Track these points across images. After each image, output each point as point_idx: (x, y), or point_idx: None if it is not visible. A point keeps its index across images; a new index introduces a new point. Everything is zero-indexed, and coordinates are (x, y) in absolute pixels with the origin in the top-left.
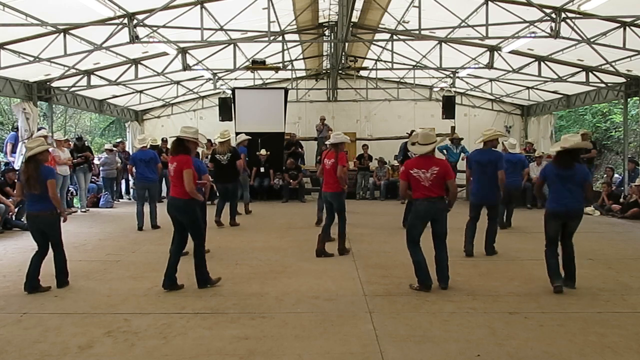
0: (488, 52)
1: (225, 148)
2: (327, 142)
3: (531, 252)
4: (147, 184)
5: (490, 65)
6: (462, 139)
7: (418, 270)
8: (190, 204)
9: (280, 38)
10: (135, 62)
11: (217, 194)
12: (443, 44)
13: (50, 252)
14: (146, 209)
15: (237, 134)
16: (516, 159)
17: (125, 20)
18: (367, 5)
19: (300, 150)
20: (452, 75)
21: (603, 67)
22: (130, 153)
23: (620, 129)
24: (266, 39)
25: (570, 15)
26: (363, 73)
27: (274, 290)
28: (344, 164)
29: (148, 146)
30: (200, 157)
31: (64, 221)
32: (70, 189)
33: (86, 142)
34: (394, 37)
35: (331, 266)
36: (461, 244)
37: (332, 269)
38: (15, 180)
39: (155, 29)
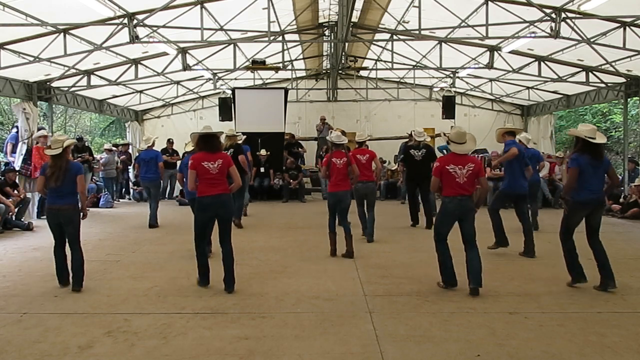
0: (488, 52)
1: (228, 142)
2: (332, 141)
3: None
4: (147, 183)
5: (490, 65)
6: None
7: (443, 269)
8: (232, 198)
9: (280, 38)
10: (135, 62)
11: None
12: (443, 44)
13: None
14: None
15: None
16: (531, 154)
17: (125, 20)
18: (367, 5)
19: (300, 150)
20: (452, 75)
21: (603, 67)
22: (131, 154)
23: (620, 129)
24: (266, 39)
25: (570, 15)
26: (363, 73)
27: (274, 290)
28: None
29: (153, 145)
30: None
31: (84, 218)
32: None
33: (86, 143)
34: (394, 37)
35: (331, 266)
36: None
37: (332, 269)
38: (16, 181)
39: (155, 29)
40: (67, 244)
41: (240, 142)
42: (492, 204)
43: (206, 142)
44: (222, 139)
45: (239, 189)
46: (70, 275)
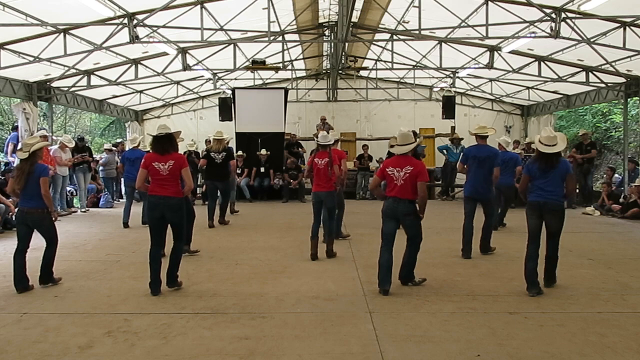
0: (488, 52)
1: (220, 146)
2: (318, 142)
3: None
4: (132, 183)
5: (490, 65)
6: (462, 139)
7: (379, 271)
8: (182, 203)
9: (280, 38)
10: (135, 62)
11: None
12: (443, 44)
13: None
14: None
15: (237, 134)
16: (508, 157)
17: (125, 20)
18: (367, 5)
19: (300, 150)
20: (452, 75)
21: (603, 67)
22: None
23: (620, 129)
24: (266, 39)
25: (570, 15)
26: (363, 73)
27: (274, 290)
28: (339, 163)
29: (139, 146)
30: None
31: (55, 220)
32: (70, 189)
33: (87, 143)
34: (394, 37)
35: (331, 266)
36: (460, 244)
37: (332, 269)
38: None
39: (155, 29)
40: (28, 249)
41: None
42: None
43: (157, 143)
44: (212, 140)
45: (225, 190)
46: (40, 269)
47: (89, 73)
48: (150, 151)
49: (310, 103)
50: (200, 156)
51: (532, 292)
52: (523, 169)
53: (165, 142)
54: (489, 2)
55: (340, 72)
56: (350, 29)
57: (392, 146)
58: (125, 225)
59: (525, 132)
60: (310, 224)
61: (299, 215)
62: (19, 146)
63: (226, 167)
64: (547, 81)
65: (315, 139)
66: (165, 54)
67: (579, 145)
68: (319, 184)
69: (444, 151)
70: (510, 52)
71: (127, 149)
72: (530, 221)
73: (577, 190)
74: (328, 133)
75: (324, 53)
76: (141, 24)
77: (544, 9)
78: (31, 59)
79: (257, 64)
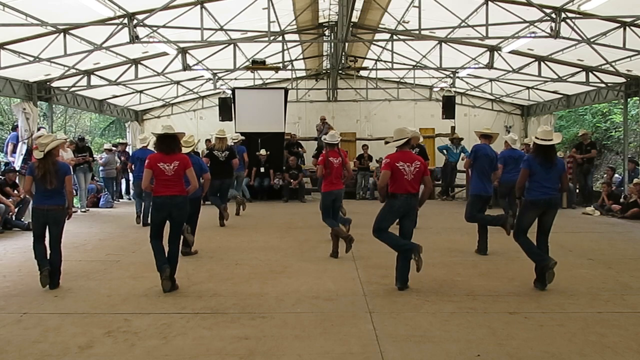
0: (488, 52)
1: (223, 145)
2: (327, 141)
3: None
4: (140, 182)
5: (490, 65)
6: (462, 139)
7: (395, 247)
8: (187, 200)
9: (280, 38)
10: (135, 62)
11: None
12: (443, 44)
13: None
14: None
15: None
16: (517, 155)
17: (125, 20)
18: (367, 5)
19: (300, 150)
20: (452, 75)
21: (603, 67)
22: (130, 154)
23: (620, 129)
24: (266, 39)
25: (570, 15)
26: (363, 73)
27: (274, 290)
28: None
29: (149, 145)
30: (201, 155)
31: (68, 219)
32: None
33: (87, 143)
34: (394, 37)
35: (331, 266)
36: (462, 244)
37: (332, 269)
38: (17, 181)
39: (155, 29)
40: (45, 239)
41: (235, 141)
42: (469, 212)
43: (162, 142)
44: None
45: (225, 187)
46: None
47: (89, 73)
48: (155, 151)
49: (310, 103)
50: (201, 156)
51: (550, 269)
52: (522, 163)
53: (171, 142)
54: (489, 2)
55: (340, 72)
56: (350, 29)
57: (387, 142)
58: (145, 224)
59: (525, 132)
60: (311, 224)
61: (299, 215)
62: (20, 146)
63: (229, 164)
64: (547, 81)
65: (321, 137)
66: (165, 54)
67: (579, 145)
68: (335, 182)
69: (444, 151)
70: (510, 52)
71: (127, 149)
72: (528, 217)
73: (577, 190)
74: (327, 133)
75: (324, 53)
76: (141, 24)
77: (544, 9)
78: (31, 59)
79: (257, 64)
